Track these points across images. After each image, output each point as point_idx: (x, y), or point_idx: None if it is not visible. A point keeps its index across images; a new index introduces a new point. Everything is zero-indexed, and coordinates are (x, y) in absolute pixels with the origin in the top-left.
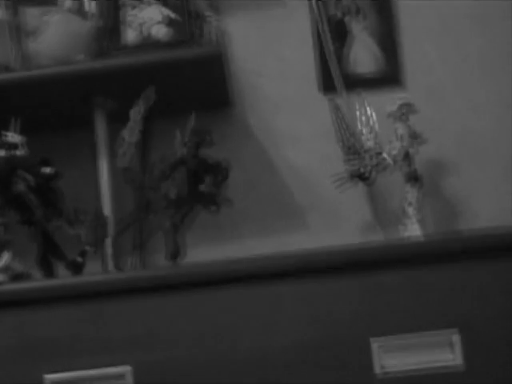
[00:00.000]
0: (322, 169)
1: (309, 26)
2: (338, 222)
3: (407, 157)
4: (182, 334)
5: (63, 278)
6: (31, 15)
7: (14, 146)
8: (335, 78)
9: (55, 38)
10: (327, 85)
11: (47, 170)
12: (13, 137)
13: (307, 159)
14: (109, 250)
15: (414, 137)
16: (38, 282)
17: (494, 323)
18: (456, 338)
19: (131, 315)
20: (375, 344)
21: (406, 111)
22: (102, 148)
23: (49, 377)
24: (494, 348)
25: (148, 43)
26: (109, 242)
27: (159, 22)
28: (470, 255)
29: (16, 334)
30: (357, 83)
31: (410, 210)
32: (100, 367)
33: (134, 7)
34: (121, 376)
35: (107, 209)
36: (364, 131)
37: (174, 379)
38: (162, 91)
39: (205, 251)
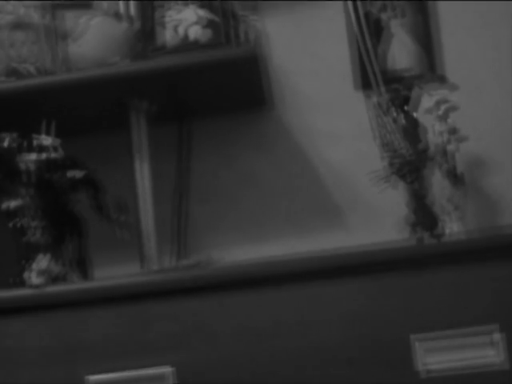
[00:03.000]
0: (360, 167)
1: (344, 24)
2: (377, 221)
3: (445, 153)
4: (221, 333)
5: (102, 280)
6: (68, 19)
7: (47, 149)
8: (372, 75)
9: (94, 41)
10: (364, 82)
11: (75, 174)
12: (46, 139)
13: (345, 157)
14: (149, 251)
15: (453, 132)
16: (76, 284)
17: None
18: (497, 335)
19: (171, 316)
20: (416, 342)
21: (444, 107)
22: (140, 150)
23: (91, 378)
24: None
25: (185, 44)
26: (150, 243)
27: (195, 23)
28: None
29: (57, 337)
30: (394, 80)
31: (449, 207)
32: (141, 368)
33: (169, 8)
34: (161, 377)
35: (147, 211)
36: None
37: (214, 379)
38: (200, 93)
39: (245, 251)
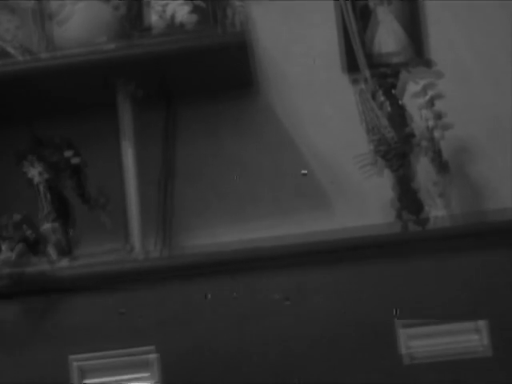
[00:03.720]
0: (346, 151)
1: (332, 8)
2: (363, 205)
3: (431, 139)
4: (208, 320)
5: (89, 266)
6: (62, 3)
7: None
8: (359, 59)
9: (80, 24)
10: (351, 66)
11: (75, 160)
12: None
13: (331, 141)
14: (135, 233)
15: (439, 118)
16: (65, 270)
17: None
18: (481, 322)
19: (156, 301)
20: (401, 330)
21: (430, 93)
22: (126, 133)
23: (75, 363)
24: None
25: (172, 28)
26: (135, 227)
27: (182, 5)
28: (498, 241)
29: (43, 320)
30: (381, 65)
31: (435, 192)
32: (127, 353)
33: None
34: (147, 361)
35: (132, 194)
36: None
37: (199, 364)
38: (187, 77)
39: (230, 234)
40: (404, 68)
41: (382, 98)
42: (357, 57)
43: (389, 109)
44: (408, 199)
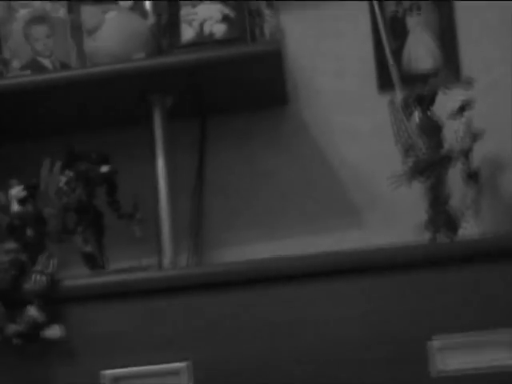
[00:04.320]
0: (379, 167)
1: (368, 24)
2: (395, 222)
3: (467, 156)
4: (239, 330)
5: (121, 274)
6: (91, 13)
7: None
8: (393, 76)
9: (112, 35)
10: (386, 83)
11: (105, 168)
12: None
13: (364, 157)
14: (166, 247)
15: (474, 138)
16: (92, 278)
17: None
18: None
19: (188, 312)
20: (431, 343)
21: (468, 112)
22: (160, 145)
23: (106, 373)
24: None
25: (205, 40)
26: (166, 238)
27: (218, 21)
28: None
29: (72, 331)
30: (417, 81)
31: (467, 208)
32: (158, 363)
33: (194, 6)
34: (179, 372)
35: (164, 207)
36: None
37: (230, 376)
38: (219, 88)
39: (260, 248)
40: (442, 85)
41: (418, 116)
42: (392, 74)
43: (424, 126)
44: (443, 219)
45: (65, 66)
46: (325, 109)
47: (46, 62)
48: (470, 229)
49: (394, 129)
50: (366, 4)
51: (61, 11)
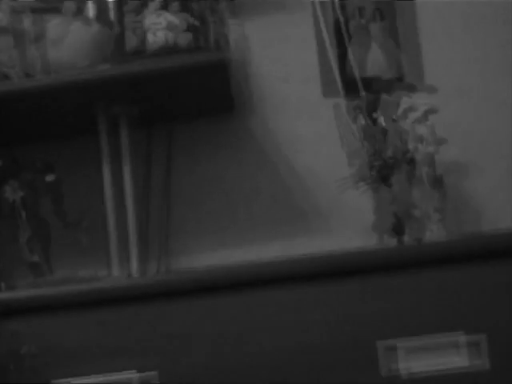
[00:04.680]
0: (325, 172)
1: (313, 29)
2: (342, 227)
3: (432, 160)
4: (205, 338)
5: (84, 283)
6: (55, 24)
7: None
8: (338, 81)
9: (75, 45)
10: (331, 88)
11: (50, 177)
12: None
13: (310, 163)
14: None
15: (438, 141)
16: (53, 289)
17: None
18: (462, 340)
19: (155, 320)
20: (382, 346)
21: (424, 108)
22: (106, 154)
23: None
24: None
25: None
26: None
27: (166, 28)
28: (486, 256)
29: (34, 342)
30: (376, 85)
31: (429, 210)
32: (125, 372)
33: (158, 15)
34: (147, 381)
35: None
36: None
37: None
38: (164, 98)
39: (209, 257)
40: (388, 90)
41: (363, 121)
42: (337, 80)
43: (370, 130)
44: (389, 222)
45: (29, 76)
46: (270, 115)
47: (11, 73)
48: (435, 231)
49: (340, 133)
50: (309, 9)
51: (24, 22)
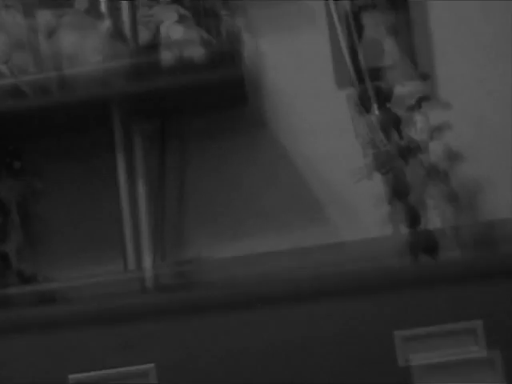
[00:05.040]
0: (339, 162)
1: (325, 21)
2: (357, 216)
3: (427, 149)
4: (213, 356)
5: (83, 278)
6: (47, 17)
7: None
8: (351, 72)
9: (68, 39)
10: (344, 79)
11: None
12: None
13: (325, 153)
14: (129, 248)
15: (435, 130)
16: (59, 283)
17: None
18: (480, 330)
19: (154, 314)
20: (399, 337)
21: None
22: (120, 148)
23: (73, 376)
24: None
25: (158, 39)
26: (130, 241)
27: (169, 17)
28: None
29: (38, 335)
30: (374, 76)
31: (430, 203)
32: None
33: (147, 8)
34: (144, 374)
35: (126, 208)
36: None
37: (195, 377)
38: (177, 91)
39: (225, 247)
40: (398, 82)
41: (377, 112)
42: (350, 71)
43: (384, 120)
44: (405, 211)
45: (22, 71)
46: (284, 106)
47: (3, 68)
48: (436, 224)
49: (354, 123)
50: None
51: (16, 16)
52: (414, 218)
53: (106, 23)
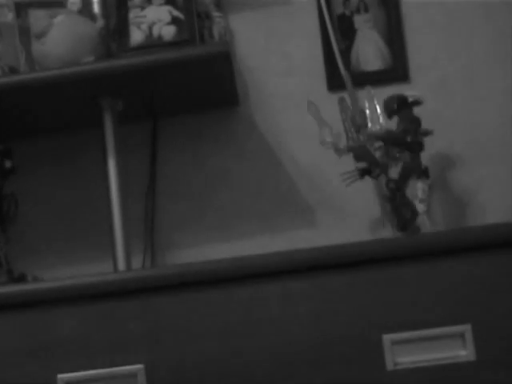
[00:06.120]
0: (329, 165)
1: (316, 23)
2: (346, 219)
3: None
4: (192, 332)
5: (73, 278)
6: (39, 17)
7: None
8: (343, 75)
9: (60, 39)
10: (334, 82)
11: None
12: None
13: (315, 156)
14: (119, 249)
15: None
16: (46, 282)
17: (506, 317)
18: (469, 333)
19: (142, 315)
20: (387, 340)
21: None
22: (111, 148)
23: (62, 376)
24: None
25: (154, 43)
26: (120, 242)
27: (167, 23)
28: (480, 249)
29: (27, 336)
30: (365, 80)
31: (418, 205)
32: (113, 366)
33: (143, 8)
34: (133, 375)
35: (116, 209)
36: (372, 127)
37: (185, 378)
38: (169, 91)
39: (213, 249)
40: (386, 82)
41: (366, 113)
42: (341, 73)
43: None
44: (397, 213)
45: (14, 70)
46: (275, 108)
47: None
48: (421, 222)
49: (345, 127)
50: (314, 3)
51: (9, 16)
52: (405, 221)
53: (99, 24)
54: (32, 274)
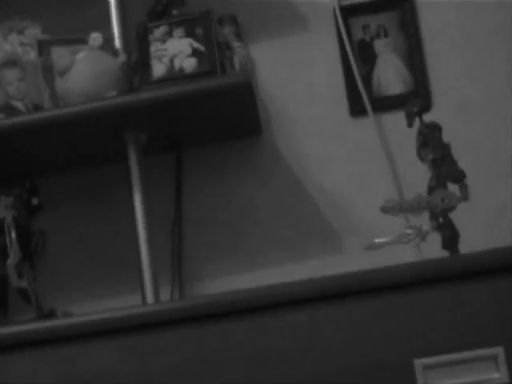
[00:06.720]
0: (355, 191)
1: (336, 49)
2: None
3: None
4: (223, 363)
5: (102, 312)
6: (61, 55)
7: None
8: (365, 100)
9: (82, 75)
10: (356, 108)
11: (35, 200)
12: None
13: (340, 182)
14: (147, 282)
15: None
16: (77, 317)
17: None
18: (501, 356)
19: (172, 347)
20: (419, 365)
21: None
22: (137, 182)
23: None
24: None
25: (176, 76)
26: (148, 275)
27: (188, 55)
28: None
29: (58, 372)
30: (387, 104)
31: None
32: None
33: (163, 42)
34: None
35: (143, 242)
36: None
37: None
38: (192, 122)
39: (241, 279)
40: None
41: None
42: (363, 98)
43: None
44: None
45: (38, 107)
46: (298, 136)
47: (20, 105)
48: None
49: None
50: (333, 30)
51: (32, 54)
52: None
53: (121, 58)
54: (61, 309)
